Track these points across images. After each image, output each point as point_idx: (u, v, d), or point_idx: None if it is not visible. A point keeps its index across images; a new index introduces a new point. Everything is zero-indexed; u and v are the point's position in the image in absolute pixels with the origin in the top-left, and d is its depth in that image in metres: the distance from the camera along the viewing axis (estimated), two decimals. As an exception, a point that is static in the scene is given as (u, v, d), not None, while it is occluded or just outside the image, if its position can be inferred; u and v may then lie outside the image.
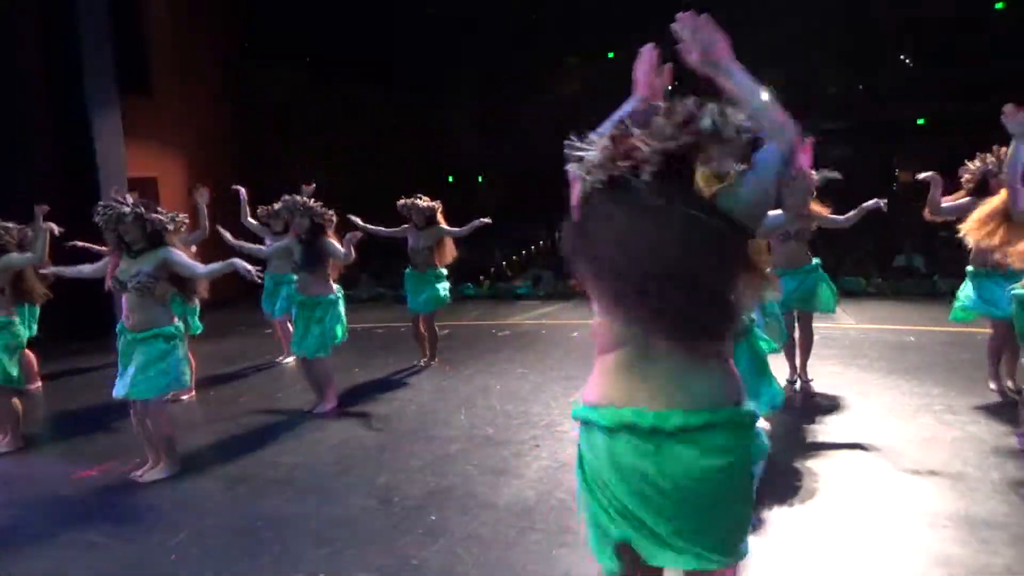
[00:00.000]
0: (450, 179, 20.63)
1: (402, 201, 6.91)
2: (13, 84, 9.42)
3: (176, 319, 4.45)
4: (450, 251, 6.96)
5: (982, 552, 3.07)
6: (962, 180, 5.05)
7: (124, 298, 4.34)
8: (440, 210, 6.90)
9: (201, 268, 4.38)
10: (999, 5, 13.78)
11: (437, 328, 7.29)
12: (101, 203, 4.32)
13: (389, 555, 3.33)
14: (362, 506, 3.92)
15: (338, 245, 5.51)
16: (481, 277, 13.03)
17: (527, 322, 8.90)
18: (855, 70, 13.11)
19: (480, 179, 21.30)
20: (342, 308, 5.77)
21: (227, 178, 12.72)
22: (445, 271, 7.02)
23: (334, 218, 5.68)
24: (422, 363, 7.13)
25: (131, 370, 4.26)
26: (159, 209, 4.39)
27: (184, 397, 6.21)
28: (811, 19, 12.91)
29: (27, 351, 6.76)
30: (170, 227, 4.36)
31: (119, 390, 4.33)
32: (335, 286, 5.76)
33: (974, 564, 2.99)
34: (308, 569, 3.25)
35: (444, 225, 6.86)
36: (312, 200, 5.62)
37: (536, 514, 3.67)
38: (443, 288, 6.96)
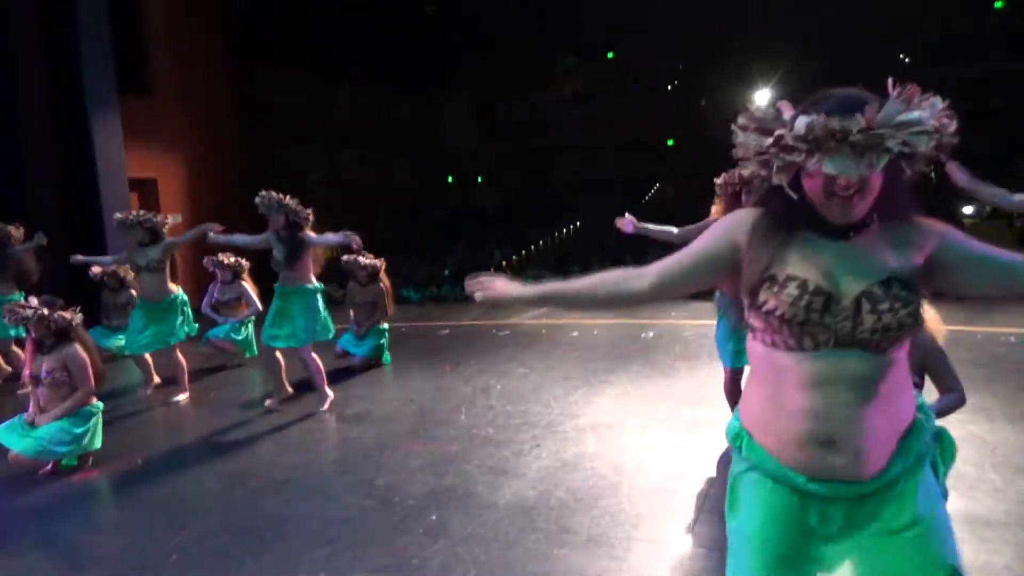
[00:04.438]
0: (450, 179, 20.65)
1: (345, 257, 6.96)
2: (13, 84, 9.42)
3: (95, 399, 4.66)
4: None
5: (982, 551, 3.07)
6: None
7: (38, 391, 4.57)
8: (384, 268, 6.96)
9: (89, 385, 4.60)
10: (998, 4, 13.79)
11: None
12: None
13: (389, 555, 3.33)
14: (362, 506, 3.92)
15: (320, 236, 5.41)
16: (481, 277, 13.03)
17: (527, 322, 8.89)
18: (855, 68, 13.13)
19: (479, 179, 21.32)
20: (321, 302, 5.60)
21: (227, 178, 12.76)
22: (386, 328, 7.12)
23: (311, 216, 5.47)
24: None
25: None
26: (62, 306, 4.59)
27: (179, 398, 6.19)
28: (809, 17, 12.91)
29: (20, 352, 6.78)
30: (75, 323, 4.59)
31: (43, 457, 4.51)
32: (314, 280, 5.61)
33: (974, 563, 2.98)
34: (308, 569, 3.25)
35: (386, 283, 7.00)
36: (287, 197, 5.42)
37: (536, 514, 3.66)
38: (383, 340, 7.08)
